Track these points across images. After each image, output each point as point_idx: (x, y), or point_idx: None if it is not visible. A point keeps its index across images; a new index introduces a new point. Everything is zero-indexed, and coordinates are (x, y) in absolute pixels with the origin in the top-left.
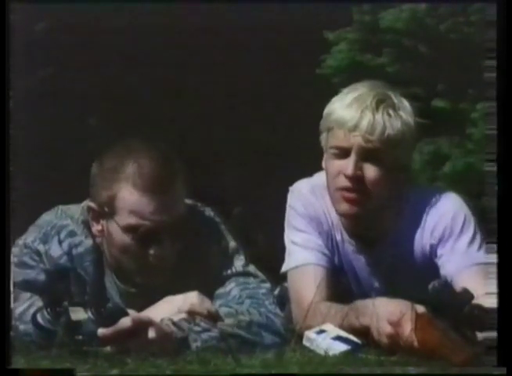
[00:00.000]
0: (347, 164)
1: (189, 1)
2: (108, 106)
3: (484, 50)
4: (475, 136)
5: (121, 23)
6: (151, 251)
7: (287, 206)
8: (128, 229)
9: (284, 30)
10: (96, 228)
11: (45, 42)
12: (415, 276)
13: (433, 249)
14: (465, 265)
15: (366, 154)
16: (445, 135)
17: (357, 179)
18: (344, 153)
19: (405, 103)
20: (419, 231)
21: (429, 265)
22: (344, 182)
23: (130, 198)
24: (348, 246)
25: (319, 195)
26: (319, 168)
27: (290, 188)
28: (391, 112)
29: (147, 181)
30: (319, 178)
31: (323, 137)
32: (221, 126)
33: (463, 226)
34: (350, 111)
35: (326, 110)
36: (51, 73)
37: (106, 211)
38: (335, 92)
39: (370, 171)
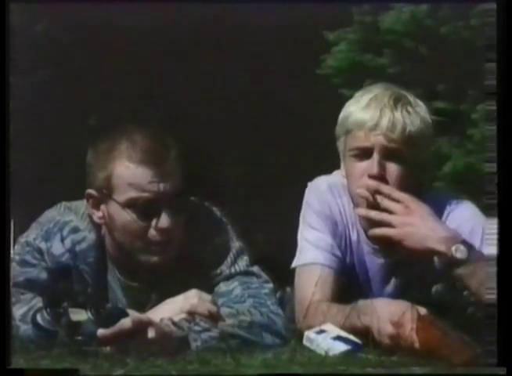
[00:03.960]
0: (371, 164)
1: (190, 1)
2: (108, 106)
3: (484, 51)
4: (475, 137)
5: (122, 23)
6: (153, 224)
7: (304, 202)
8: (128, 204)
9: (284, 30)
10: (97, 215)
11: (45, 42)
12: (428, 280)
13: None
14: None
15: (389, 153)
16: (446, 136)
17: (381, 179)
18: (365, 153)
19: (420, 103)
20: None
21: (443, 270)
22: (368, 182)
23: (126, 172)
24: (364, 246)
25: (336, 194)
26: (319, 167)
27: (309, 183)
28: (409, 109)
29: (141, 152)
30: (338, 176)
31: (341, 141)
32: (221, 126)
33: (482, 240)
34: (368, 111)
35: (342, 115)
36: (51, 73)
37: (105, 192)
38: (335, 92)
39: (393, 170)
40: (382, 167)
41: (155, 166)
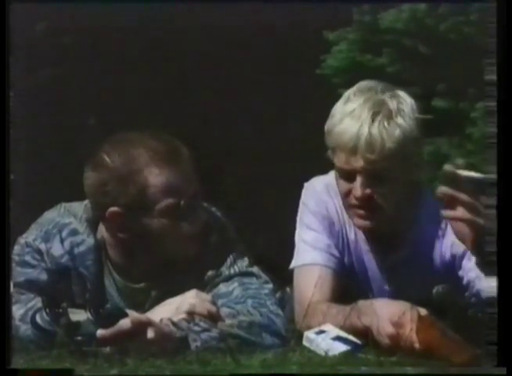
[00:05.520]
0: (355, 187)
1: (190, 1)
2: (108, 106)
3: (484, 50)
4: (475, 136)
5: (121, 23)
6: (191, 223)
7: (300, 202)
8: (168, 210)
9: (284, 30)
10: (122, 231)
11: (45, 42)
12: (428, 280)
13: (456, 259)
14: None
15: (371, 173)
16: (445, 136)
17: (368, 198)
18: (349, 175)
19: (404, 102)
20: (437, 238)
21: (443, 270)
22: (355, 201)
23: (161, 179)
24: (363, 245)
25: (332, 193)
26: (318, 169)
27: (305, 184)
28: (385, 123)
29: (165, 157)
30: (334, 176)
31: (329, 153)
32: (221, 127)
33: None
34: (347, 130)
35: (326, 127)
36: (51, 73)
37: (138, 206)
38: (335, 92)
39: (379, 188)
40: (366, 187)
41: (181, 166)
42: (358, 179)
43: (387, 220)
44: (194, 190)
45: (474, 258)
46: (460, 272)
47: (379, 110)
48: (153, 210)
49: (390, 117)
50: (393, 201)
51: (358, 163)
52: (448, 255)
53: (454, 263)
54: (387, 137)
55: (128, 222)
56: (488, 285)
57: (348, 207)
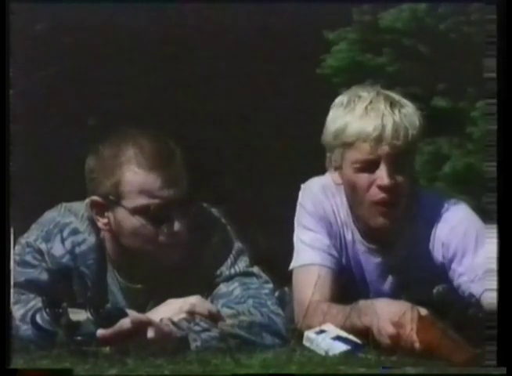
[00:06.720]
0: (381, 176)
1: (190, 1)
2: (108, 106)
3: (484, 49)
4: (475, 135)
5: (121, 23)
6: (164, 229)
7: (298, 204)
8: (139, 211)
9: (284, 30)
10: (102, 221)
11: (45, 42)
12: (424, 280)
13: (446, 261)
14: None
15: (395, 161)
16: (445, 135)
17: (393, 188)
18: (371, 165)
19: (406, 101)
20: (430, 238)
21: (438, 270)
22: (379, 194)
23: (136, 179)
24: (359, 246)
25: (329, 194)
26: (319, 168)
27: (302, 185)
28: (404, 111)
29: (150, 158)
30: (330, 177)
31: (337, 153)
32: (221, 126)
33: (477, 241)
34: (369, 121)
35: (336, 126)
36: (51, 73)
37: (112, 199)
38: (335, 92)
39: (400, 177)
40: (392, 177)
41: (164, 171)
42: (383, 167)
43: (399, 217)
44: (169, 198)
45: (464, 263)
46: (450, 274)
47: (394, 101)
48: (128, 206)
49: (403, 107)
50: (406, 196)
51: (384, 150)
52: (439, 257)
53: (444, 265)
54: (409, 125)
55: (107, 212)
56: (482, 289)
57: (370, 205)
